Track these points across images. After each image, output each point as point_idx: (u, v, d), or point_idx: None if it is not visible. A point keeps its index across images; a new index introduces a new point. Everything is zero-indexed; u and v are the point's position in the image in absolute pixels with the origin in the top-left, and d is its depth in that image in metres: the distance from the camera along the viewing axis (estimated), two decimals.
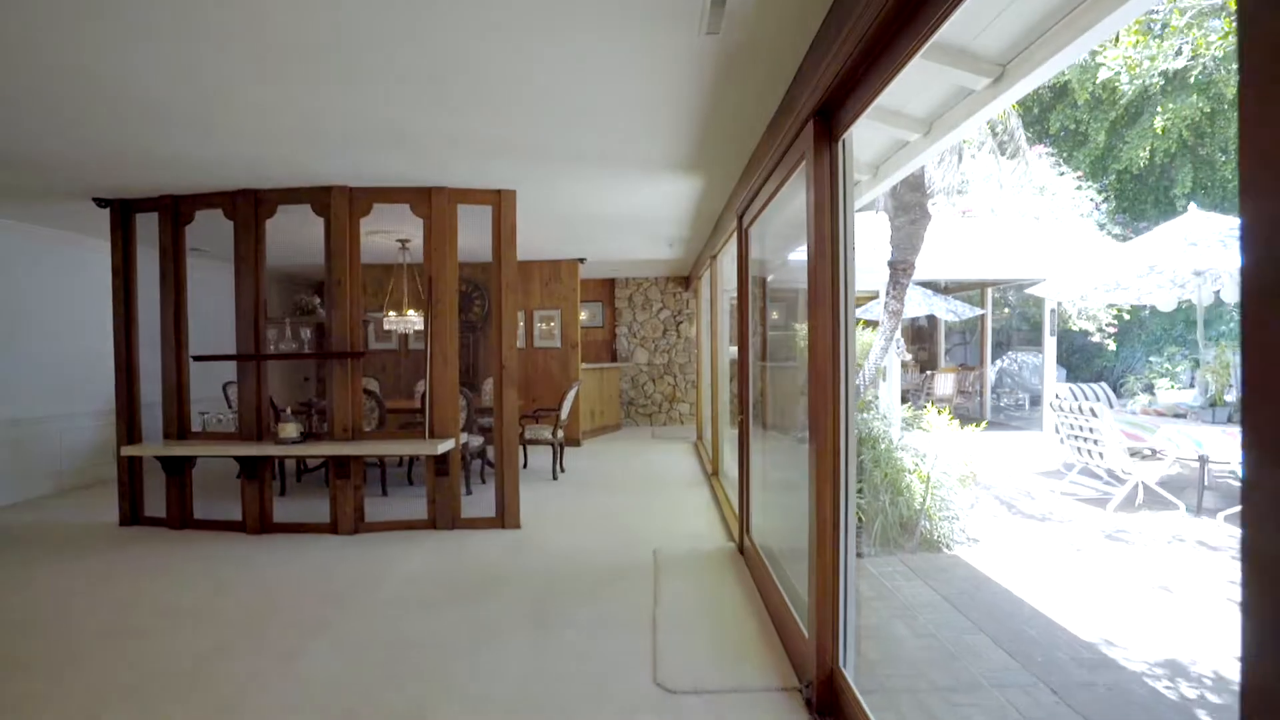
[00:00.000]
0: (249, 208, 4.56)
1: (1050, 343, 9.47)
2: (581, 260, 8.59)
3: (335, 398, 4.59)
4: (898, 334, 6.16)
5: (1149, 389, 9.90)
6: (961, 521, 5.02)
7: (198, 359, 4.59)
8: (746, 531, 4.09)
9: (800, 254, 2.67)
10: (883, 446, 5.28)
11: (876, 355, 5.75)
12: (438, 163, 4.17)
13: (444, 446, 4.46)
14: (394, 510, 4.96)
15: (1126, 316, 11.54)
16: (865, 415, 6.08)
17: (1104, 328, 11.15)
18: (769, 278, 4.07)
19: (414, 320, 6.67)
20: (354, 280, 4.61)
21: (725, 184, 4.43)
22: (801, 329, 2.78)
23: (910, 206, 5.75)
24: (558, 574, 3.86)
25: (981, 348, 11.97)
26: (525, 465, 7.05)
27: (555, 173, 4.30)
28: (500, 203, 4.68)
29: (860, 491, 4.78)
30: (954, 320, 11.55)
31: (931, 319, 13.26)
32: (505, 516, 4.75)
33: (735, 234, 4.17)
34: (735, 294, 4.36)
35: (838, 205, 2.31)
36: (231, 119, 3.29)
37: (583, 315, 10.81)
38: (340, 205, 4.54)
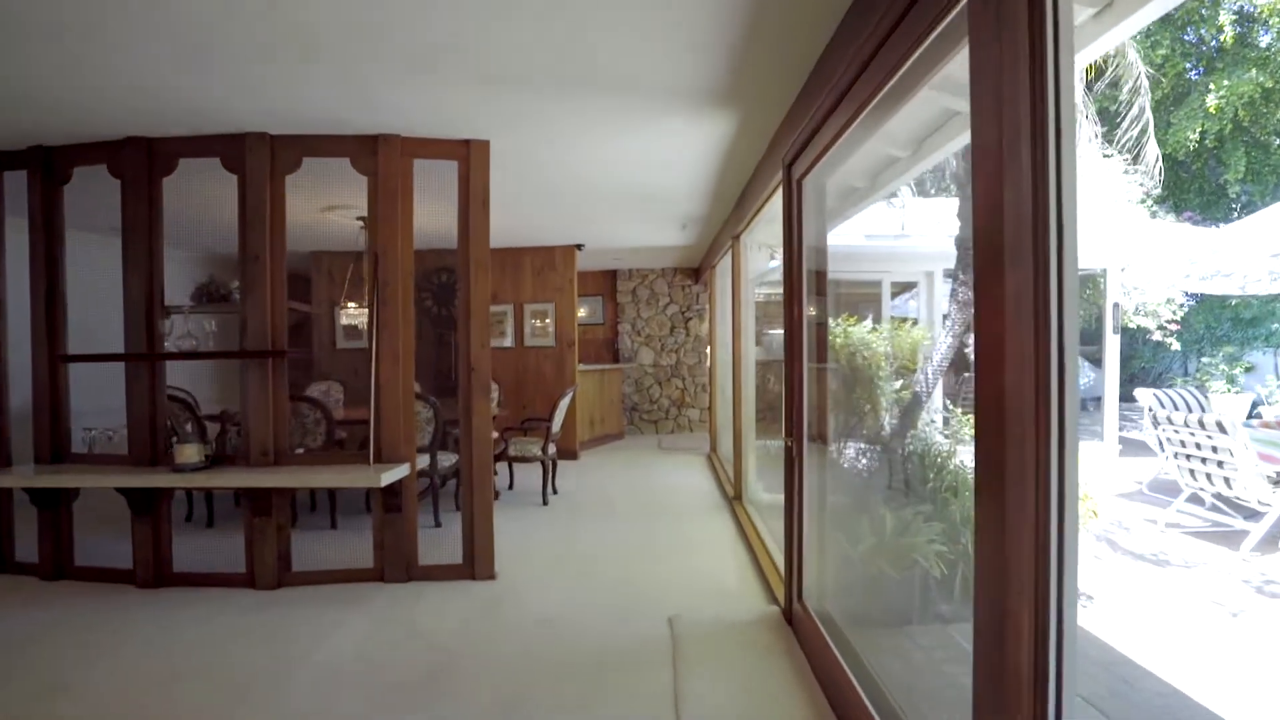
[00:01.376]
0: (139, 161, 3.48)
1: (1113, 341, 8.36)
2: (579, 247, 7.51)
3: (251, 411, 3.51)
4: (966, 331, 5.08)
5: (1201, 389, 8.86)
6: None
7: (67, 359, 3.51)
8: (796, 592, 3.00)
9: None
10: (960, 470, 4.20)
11: (943, 355, 4.65)
12: (389, 104, 3.11)
13: (392, 475, 3.38)
14: (334, 554, 3.87)
15: (1184, 311, 10.46)
16: (930, 430, 4.99)
17: (1165, 324, 10.06)
18: (828, 250, 2.99)
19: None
20: (277, 256, 3.53)
21: (767, 122, 3.35)
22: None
23: None
24: (539, 657, 2.78)
25: None
26: (511, 486, 5.97)
27: (542, 114, 3.22)
28: (469, 156, 3.60)
29: (933, 531, 3.70)
30: None
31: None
32: (475, 564, 3.66)
33: (782, 189, 3.09)
34: (766, 281, 3.29)
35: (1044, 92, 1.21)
36: (102, 31, 2.24)
37: (581, 311, 9.72)
38: (258, 158, 3.46)
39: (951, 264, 5.19)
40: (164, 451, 3.54)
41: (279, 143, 3.50)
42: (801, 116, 2.81)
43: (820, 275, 2.96)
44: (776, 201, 4.39)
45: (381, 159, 3.52)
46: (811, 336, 2.94)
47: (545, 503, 5.36)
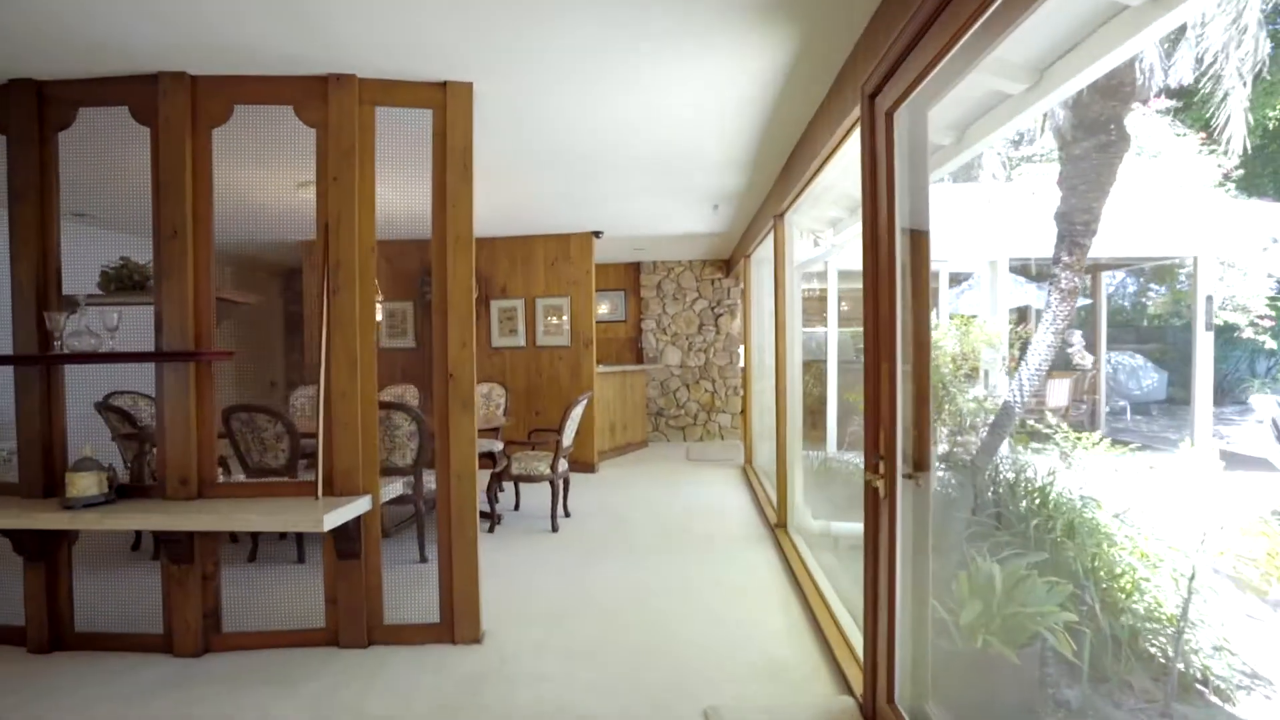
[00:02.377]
0: (27, 111, 2.74)
1: (1205, 339, 7.27)
2: (596, 234, 6.69)
3: (167, 429, 2.75)
4: (1069, 327, 4.14)
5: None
6: (1204, 628, 2.99)
7: None
8: (886, 691, 2.13)
9: None
10: (1075, 505, 3.27)
11: (1042, 357, 3.73)
12: (343, 36, 2.36)
13: (342, 513, 2.59)
14: (281, 607, 3.09)
15: None
16: (1034, 450, 4.07)
17: (1255, 320, 8.89)
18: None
19: None
20: (202, 232, 2.77)
21: (835, 43, 2.48)
22: None
23: (1098, 125, 3.72)
24: None
25: (1095, 346, 9.76)
26: (517, 507, 5.17)
27: (540, 47, 2.41)
28: (446, 104, 2.80)
29: (1061, 595, 2.78)
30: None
31: (1024, 311, 11.06)
32: (455, 623, 2.86)
33: (861, 129, 2.22)
34: (805, 274, 2.42)
35: None
36: None
37: (601, 308, 8.92)
38: (174, 105, 2.70)
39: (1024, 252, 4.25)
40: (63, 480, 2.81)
41: (203, 87, 2.74)
42: (889, 29, 1.96)
43: (918, 243, 2.09)
44: (830, 172, 3.52)
45: (334, 106, 2.73)
46: (905, 331, 2.07)
47: (555, 529, 4.55)
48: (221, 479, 2.88)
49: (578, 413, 4.70)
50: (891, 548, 1.93)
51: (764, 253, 6.30)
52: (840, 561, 4.00)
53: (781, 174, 4.15)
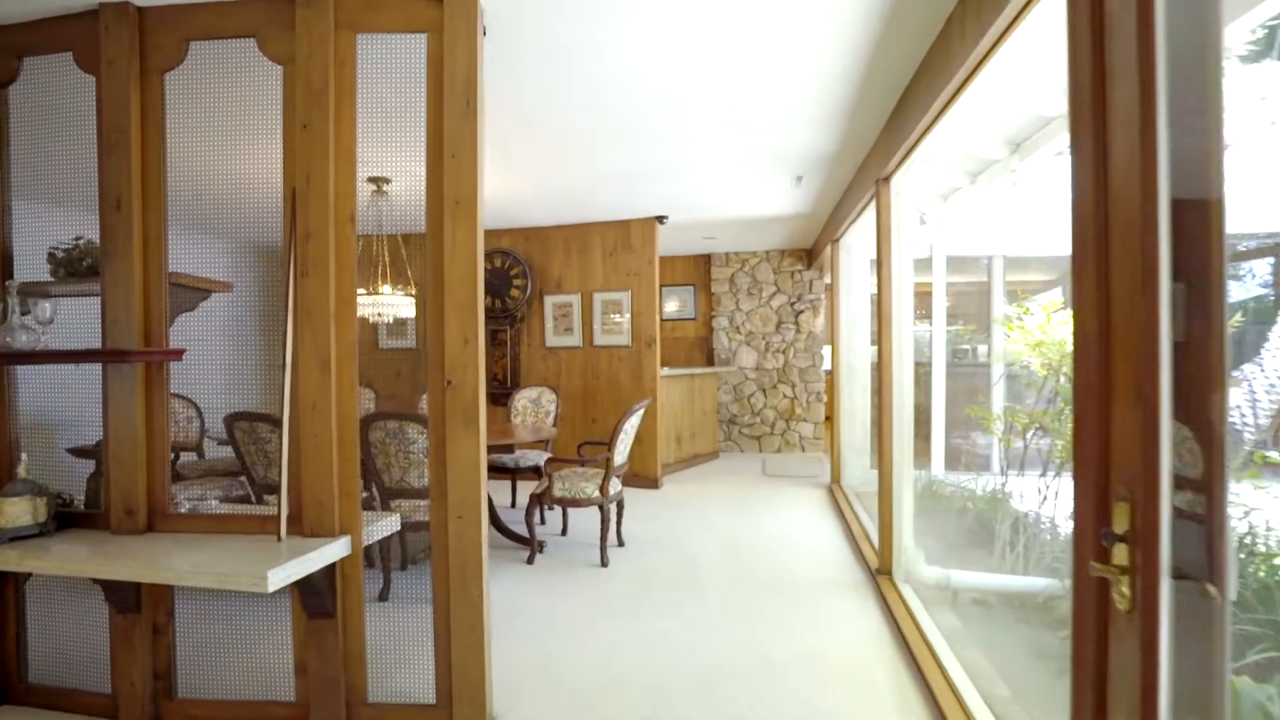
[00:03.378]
0: None
1: None
2: (661, 220, 5.95)
3: (111, 445, 2.22)
4: None
5: None
6: None
7: None
8: None
9: None
10: None
11: None
12: None
13: (303, 565, 1.96)
14: (251, 666, 2.51)
15: None
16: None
17: None
18: None
19: (389, 301, 4.31)
20: (152, 202, 2.23)
21: None
22: None
23: None
24: None
25: None
26: (565, 531, 4.50)
27: None
28: (443, 24, 2.13)
29: None
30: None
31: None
32: (455, 706, 2.18)
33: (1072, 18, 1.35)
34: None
35: None
36: None
37: (670, 305, 8.17)
38: (119, 42, 2.17)
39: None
40: None
41: (151, 20, 2.20)
42: None
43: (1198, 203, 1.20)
44: (951, 123, 2.63)
45: (303, 34, 2.12)
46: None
47: (604, 562, 3.83)
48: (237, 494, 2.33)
49: (632, 425, 3.96)
50: (1148, 708, 1.07)
51: (855, 237, 5.35)
52: (966, 626, 3.07)
53: (888, 124, 3.26)
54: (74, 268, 2.40)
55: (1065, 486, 3.20)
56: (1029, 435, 3.34)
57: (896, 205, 3.34)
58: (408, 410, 5.60)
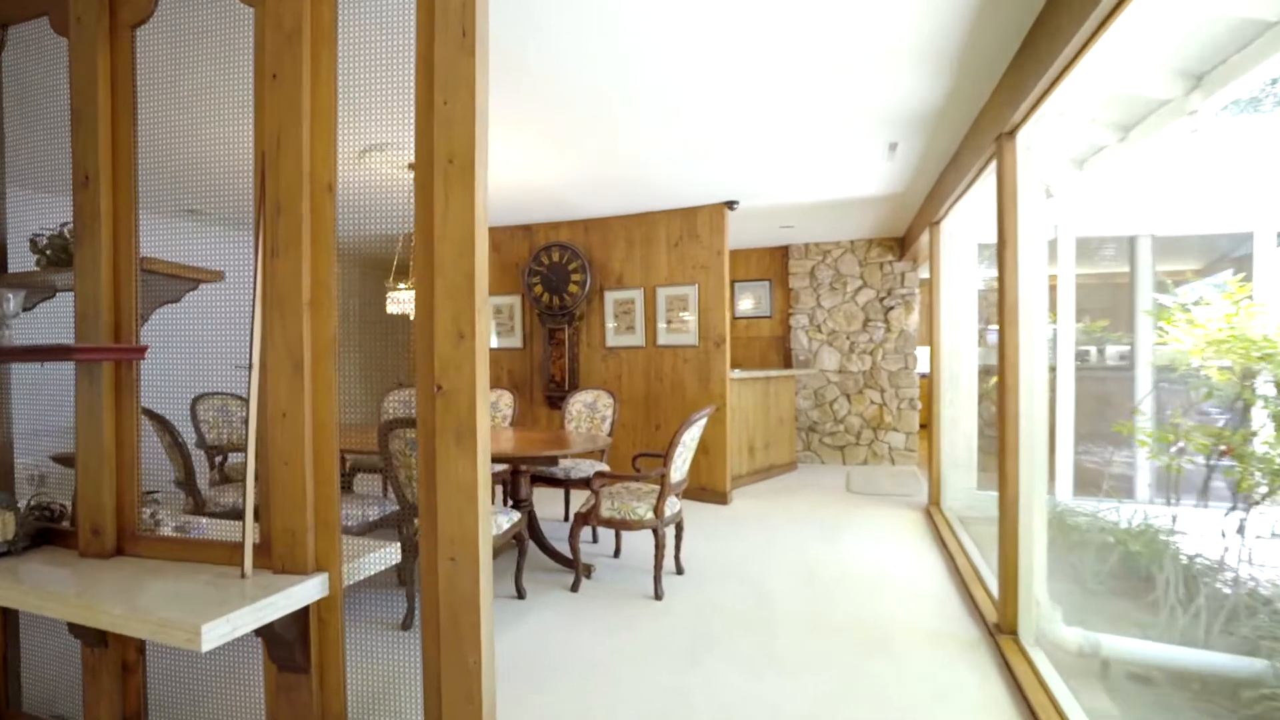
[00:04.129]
0: None
1: None
2: (731, 205, 5.38)
3: (81, 454, 1.94)
4: None
5: None
6: None
7: None
8: None
9: None
10: None
11: None
12: None
13: (270, 608, 1.57)
14: (241, 710, 2.18)
15: None
16: None
17: None
18: None
19: None
20: (123, 178, 1.93)
21: None
22: None
23: None
24: None
25: None
26: (617, 553, 4.02)
27: None
28: None
29: None
30: None
31: None
32: None
33: None
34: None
35: None
36: None
37: (744, 303, 7.57)
38: (85, 1, 1.88)
39: None
40: None
41: None
42: None
43: None
44: (1088, 63, 1.95)
45: None
46: None
47: (658, 595, 3.32)
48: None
49: (691, 437, 3.43)
50: None
51: (960, 218, 4.59)
52: (1125, 713, 2.35)
53: (1017, 59, 2.57)
54: (57, 256, 2.15)
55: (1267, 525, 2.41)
56: (1212, 459, 2.56)
57: (1025, 165, 2.64)
58: None
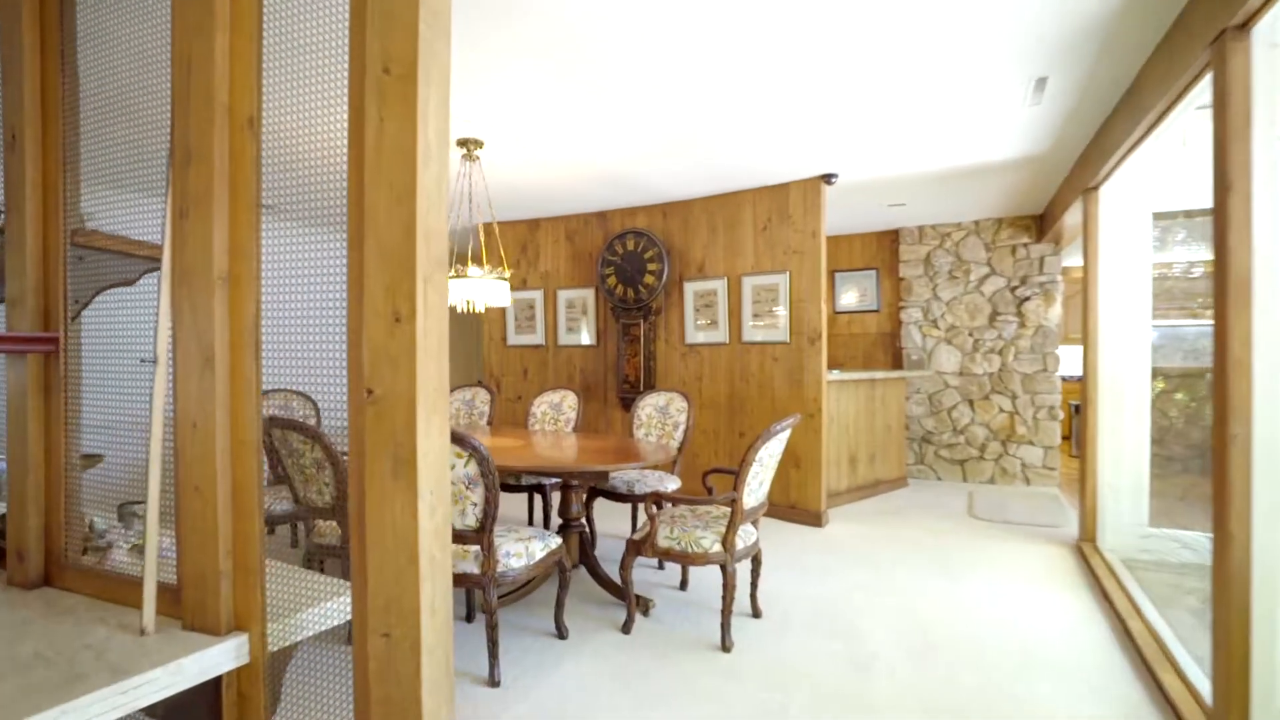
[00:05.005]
0: None
1: None
2: (828, 179, 4.63)
3: (10, 467, 1.63)
4: None
5: None
6: None
7: None
8: None
9: None
10: None
11: None
12: None
13: (150, 687, 1.15)
14: None
15: None
16: None
17: None
18: None
19: (479, 284, 3.59)
20: (53, 136, 1.60)
21: None
22: None
23: None
24: None
25: None
26: (684, 584, 3.43)
27: None
28: None
29: None
30: None
31: None
32: None
33: None
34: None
35: None
36: None
37: (847, 297, 6.74)
38: None
39: None
40: None
41: None
42: None
43: None
44: None
45: None
46: None
47: (726, 645, 2.71)
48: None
49: (771, 453, 2.78)
50: None
51: (1130, 178, 3.60)
52: None
53: None
54: None
55: None
56: None
57: (1269, 70, 1.79)
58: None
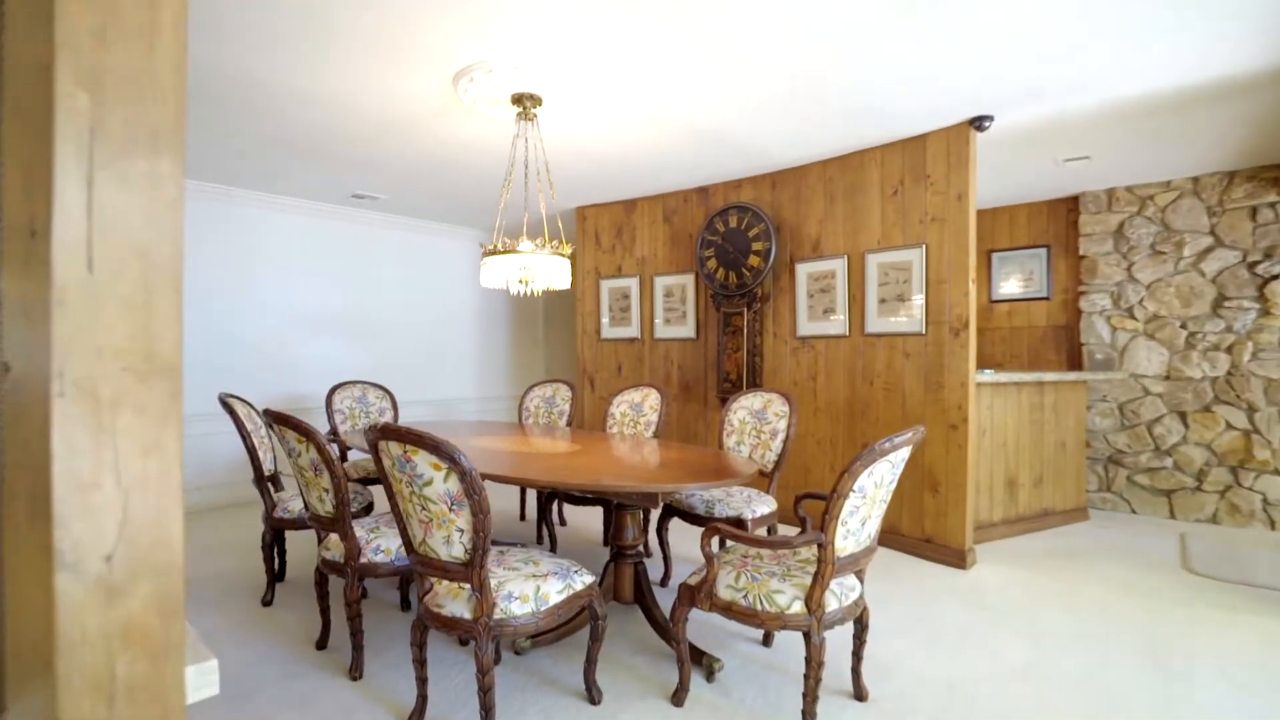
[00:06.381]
0: None
1: None
2: (978, 124, 3.62)
3: None
4: None
5: None
6: None
7: None
8: None
9: None
10: None
11: None
12: None
13: None
14: None
15: None
16: None
17: None
18: None
19: (534, 262, 3.09)
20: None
21: None
22: None
23: None
24: None
25: None
26: (767, 641, 2.69)
27: None
28: None
29: None
30: None
31: None
32: None
33: None
34: None
35: None
36: None
37: (1006, 283, 5.54)
38: None
39: None
40: None
41: None
42: None
43: None
44: None
45: None
46: None
47: None
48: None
49: (878, 480, 1.97)
50: None
51: None
52: None
53: None
54: None
55: None
56: None
57: None
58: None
